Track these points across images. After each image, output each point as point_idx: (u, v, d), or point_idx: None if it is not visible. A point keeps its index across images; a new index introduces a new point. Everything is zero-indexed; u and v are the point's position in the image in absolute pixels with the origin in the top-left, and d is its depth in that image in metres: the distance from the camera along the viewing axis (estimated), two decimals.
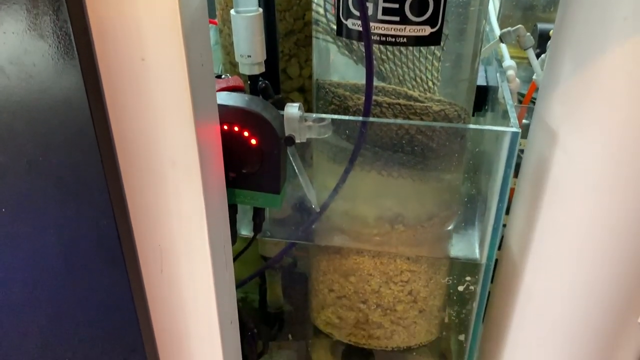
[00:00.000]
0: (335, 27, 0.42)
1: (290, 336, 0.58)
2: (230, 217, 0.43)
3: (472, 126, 0.41)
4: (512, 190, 0.56)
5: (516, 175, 0.55)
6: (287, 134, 0.40)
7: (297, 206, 0.49)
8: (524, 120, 0.60)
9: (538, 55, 0.57)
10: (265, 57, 0.45)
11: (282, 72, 0.57)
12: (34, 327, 0.42)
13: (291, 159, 0.44)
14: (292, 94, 0.59)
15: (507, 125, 0.41)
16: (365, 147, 0.45)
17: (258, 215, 0.45)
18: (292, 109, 0.40)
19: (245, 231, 0.49)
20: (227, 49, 0.57)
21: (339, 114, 0.46)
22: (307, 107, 0.58)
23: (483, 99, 0.55)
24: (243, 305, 0.61)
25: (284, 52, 0.56)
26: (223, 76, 0.52)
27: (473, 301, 0.48)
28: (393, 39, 0.39)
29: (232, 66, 0.58)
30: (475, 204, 0.48)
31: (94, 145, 0.33)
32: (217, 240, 0.40)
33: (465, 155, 0.47)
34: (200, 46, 0.33)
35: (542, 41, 0.60)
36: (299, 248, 0.57)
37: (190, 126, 0.33)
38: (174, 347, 0.43)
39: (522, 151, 0.48)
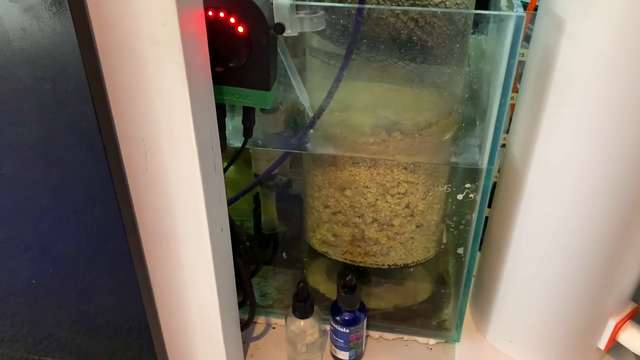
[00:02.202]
0: None
1: (284, 255, 0.57)
2: (218, 119, 0.41)
3: (474, 11, 0.39)
4: (512, 107, 0.53)
5: (516, 91, 0.53)
6: (276, 22, 0.38)
7: (289, 114, 0.47)
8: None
9: None
10: None
11: None
12: (11, 228, 0.40)
13: (282, 57, 0.41)
14: None
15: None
16: (361, 50, 0.42)
17: (248, 117, 0.42)
18: None
19: (237, 143, 0.47)
20: None
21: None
22: None
23: (484, 7, 0.52)
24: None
25: None
26: None
27: (472, 211, 0.46)
28: None
29: None
30: (476, 108, 0.46)
31: (68, 22, 0.31)
32: (204, 137, 0.37)
33: (466, 59, 0.45)
34: None
35: None
36: (294, 167, 0.55)
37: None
38: (162, 252, 0.41)
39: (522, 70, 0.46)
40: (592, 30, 0.37)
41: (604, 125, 0.39)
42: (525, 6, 0.55)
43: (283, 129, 0.49)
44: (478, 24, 0.53)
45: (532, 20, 0.55)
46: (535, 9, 0.56)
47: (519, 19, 0.37)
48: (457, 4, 0.42)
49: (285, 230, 0.56)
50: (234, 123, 0.47)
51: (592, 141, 0.40)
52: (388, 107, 0.46)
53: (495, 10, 0.50)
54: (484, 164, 0.43)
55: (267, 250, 0.56)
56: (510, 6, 0.39)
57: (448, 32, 0.42)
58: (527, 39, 0.50)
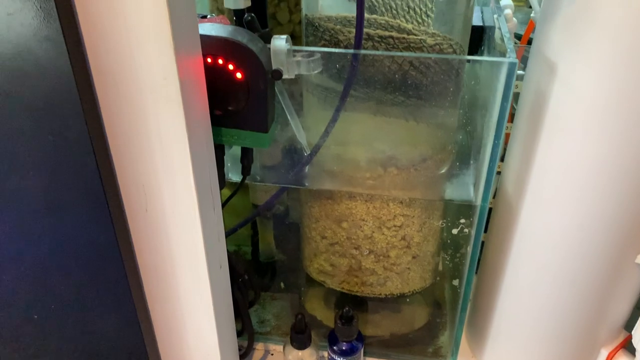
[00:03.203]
0: None
1: (282, 284, 0.58)
2: (217, 158, 0.41)
3: (467, 57, 0.40)
4: (508, 136, 0.54)
5: (511, 120, 0.54)
6: (274, 67, 0.39)
7: (287, 150, 0.48)
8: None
9: None
10: None
11: (271, 17, 0.55)
12: (16, 270, 0.40)
13: (279, 97, 0.42)
14: None
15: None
16: (357, 87, 0.43)
17: (246, 157, 0.43)
18: (279, 42, 0.39)
19: (235, 177, 0.48)
20: None
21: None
22: None
23: (479, 40, 0.53)
24: (235, 257, 0.60)
25: None
26: (209, 16, 0.50)
27: (467, 245, 0.47)
28: None
29: (219, 12, 0.55)
30: (470, 144, 0.47)
31: (69, 75, 0.31)
32: (203, 178, 0.38)
33: (460, 95, 0.46)
34: None
35: None
36: (291, 197, 0.55)
37: (170, 53, 0.31)
38: (161, 290, 0.42)
39: (516, 100, 0.47)
40: (583, 75, 0.37)
41: (595, 165, 0.40)
42: (519, 38, 0.56)
43: (280, 160, 0.50)
44: (477, 50, 0.54)
45: (523, 57, 0.56)
46: (529, 43, 0.57)
47: (512, 65, 0.37)
48: (451, 44, 0.43)
49: (282, 258, 0.57)
50: (231, 152, 0.48)
51: (583, 179, 0.41)
52: (383, 140, 0.47)
53: (489, 46, 0.51)
54: (479, 201, 0.44)
55: (265, 278, 0.57)
56: (503, 49, 0.40)
57: (443, 70, 0.43)
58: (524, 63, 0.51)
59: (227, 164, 0.47)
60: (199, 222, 0.38)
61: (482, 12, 0.55)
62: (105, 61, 0.32)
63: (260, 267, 0.58)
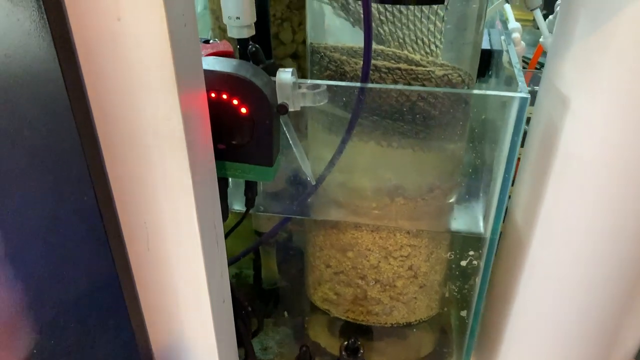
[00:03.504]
0: None
1: (286, 313, 0.57)
2: (220, 191, 0.40)
3: (477, 91, 0.39)
4: (518, 160, 0.53)
5: (522, 143, 0.53)
6: (279, 101, 0.38)
7: (291, 179, 0.47)
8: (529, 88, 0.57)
9: (544, 16, 0.54)
10: (255, 19, 0.42)
11: (273, 37, 0.54)
12: (17, 310, 0.40)
13: (284, 128, 0.41)
14: (284, 61, 0.56)
15: (514, 91, 0.39)
16: (364, 116, 0.42)
17: (250, 190, 0.42)
18: (285, 75, 0.38)
19: (238, 206, 0.47)
20: (216, 13, 0.53)
21: (335, 79, 0.43)
22: (302, 75, 0.55)
23: (486, 63, 0.52)
24: (237, 282, 0.59)
25: (276, 16, 0.53)
26: (211, 41, 0.49)
27: (476, 276, 0.46)
28: None
29: (221, 32, 0.54)
30: (479, 175, 0.46)
31: (69, 115, 0.30)
32: (207, 216, 0.37)
33: (469, 123, 0.45)
34: (183, 4, 0.30)
35: (549, 0, 0.57)
36: (295, 222, 0.54)
37: (173, 92, 0.31)
38: (164, 327, 0.41)
39: (528, 120, 0.46)
40: (597, 110, 0.36)
41: (609, 200, 0.39)
42: (526, 65, 0.55)
43: (284, 186, 0.49)
44: (485, 73, 0.53)
45: (534, 77, 0.55)
46: (537, 68, 0.56)
47: (523, 100, 0.36)
48: (460, 74, 0.42)
49: (286, 284, 0.56)
50: (235, 180, 0.47)
51: (596, 213, 0.40)
52: (390, 169, 0.46)
53: (497, 70, 0.50)
54: (488, 234, 0.43)
55: (268, 305, 0.56)
56: (511, 73, 0.39)
57: (452, 101, 0.42)
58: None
59: (230, 186, 0.46)
60: (202, 259, 0.38)
61: (489, 35, 0.54)
62: (107, 103, 0.31)
63: (263, 294, 0.57)
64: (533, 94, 0.43)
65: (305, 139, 0.45)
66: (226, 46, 0.47)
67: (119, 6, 0.28)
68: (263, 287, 0.56)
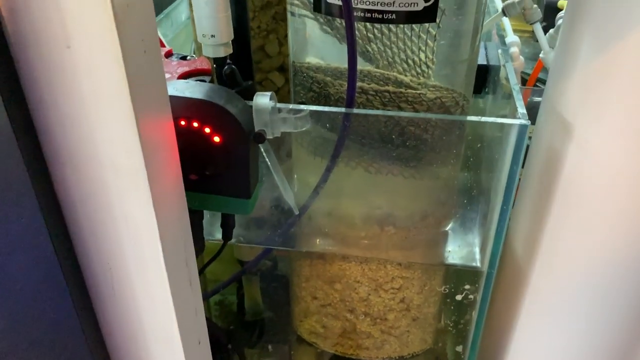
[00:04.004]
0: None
1: (270, 347, 0.53)
2: (195, 224, 0.37)
3: (473, 118, 0.36)
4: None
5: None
6: (257, 128, 0.34)
7: (273, 207, 0.44)
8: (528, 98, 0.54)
9: (544, 29, 0.50)
10: (232, 37, 0.39)
11: (259, 49, 0.51)
12: None
13: (264, 155, 0.38)
14: (271, 74, 0.53)
15: (513, 113, 0.36)
16: (350, 139, 0.39)
17: (227, 222, 0.39)
18: (263, 99, 0.34)
19: (219, 234, 0.43)
20: None
21: (319, 101, 0.40)
22: (288, 88, 0.52)
23: (483, 79, 0.49)
24: (220, 309, 0.56)
25: (261, 28, 0.50)
26: (189, 57, 0.46)
27: (472, 310, 0.43)
28: (380, 16, 0.33)
29: None
30: (475, 202, 0.43)
31: (16, 155, 0.27)
32: (176, 255, 0.34)
33: (464, 147, 0.42)
34: (142, 29, 0.27)
35: (549, 12, 0.54)
36: (279, 252, 0.51)
37: (131, 125, 0.27)
38: None
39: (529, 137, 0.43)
40: (603, 138, 0.33)
41: (615, 232, 0.36)
42: (525, 81, 0.52)
43: (267, 212, 0.45)
44: (481, 90, 0.50)
45: (533, 94, 0.52)
46: (535, 85, 0.53)
47: (522, 127, 0.33)
48: (454, 97, 0.38)
49: (271, 315, 0.53)
50: None
51: (601, 245, 0.37)
52: (380, 196, 0.43)
53: (494, 87, 0.47)
54: (485, 267, 0.40)
55: (252, 337, 0.53)
56: (508, 90, 0.36)
57: (445, 124, 0.39)
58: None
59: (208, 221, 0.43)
60: (171, 300, 0.34)
61: (485, 48, 0.51)
62: (58, 136, 0.28)
63: (247, 325, 0.53)
64: (532, 110, 0.40)
65: (288, 161, 0.42)
66: (204, 63, 0.44)
67: (67, 33, 0.25)
68: (246, 319, 0.53)
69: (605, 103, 0.32)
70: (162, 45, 0.49)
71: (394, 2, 0.32)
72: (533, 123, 0.41)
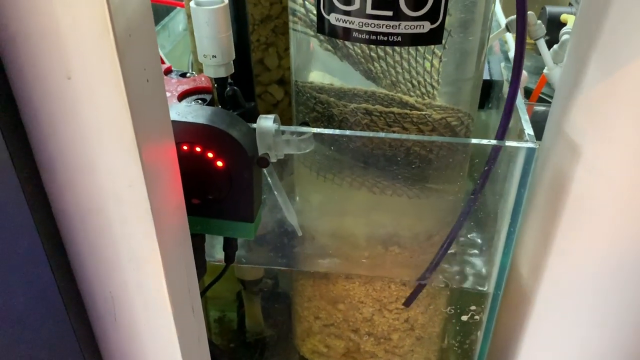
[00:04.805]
0: (315, 18, 0.35)
1: None
2: (197, 247, 0.37)
3: (477, 141, 0.35)
4: None
5: None
6: (260, 152, 0.34)
7: (276, 227, 0.43)
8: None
9: (547, 43, 0.50)
10: (234, 57, 0.38)
11: (258, 63, 0.50)
12: None
13: (267, 177, 0.37)
14: (270, 87, 0.52)
15: (518, 132, 0.35)
16: (355, 159, 0.38)
17: (230, 245, 0.38)
18: (266, 122, 0.34)
19: (221, 255, 0.43)
20: None
21: (322, 122, 0.39)
22: (288, 101, 0.51)
23: (486, 94, 0.48)
24: (220, 327, 0.55)
25: (260, 41, 0.49)
26: (188, 74, 0.45)
27: (478, 330, 0.43)
28: (385, 38, 0.32)
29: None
30: (481, 221, 0.42)
31: (16, 187, 0.26)
32: (178, 281, 0.33)
33: (469, 167, 0.41)
34: (144, 58, 0.26)
35: (552, 27, 0.53)
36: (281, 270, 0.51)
37: (134, 155, 0.26)
38: None
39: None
40: (612, 161, 0.33)
41: (623, 255, 0.36)
42: (528, 94, 0.52)
43: (269, 230, 0.45)
44: (484, 105, 0.50)
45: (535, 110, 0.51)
46: (539, 100, 0.52)
47: (530, 151, 0.33)
48: (459, 117, 0.38)
49: (272, 334, 0.52)
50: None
51: (608, 269, 0.37)
52: (384, 214, 0.42)
53: (497, 102, 0.47)
54: (491, 289, 0.39)
55: (253, 357, 0.52)
56: (514, 125, 0.35)
57: (450, 144, 0.38)
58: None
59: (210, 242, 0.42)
60: (174, 329, 0.34)
61: (488, 63, 0.51)
62: (59, 166, 0.27)
63: (248, 345, 0.53)
64: (535, 125, 0.40)
65: (290, 176, 0.42)
66: (205, 81, 0.43)
67: (68, 63, 0.24)
68: (248, 339, 0.52)
69: (614, 126, 0.32)
70: (162, 62, 0.49)
71: (399, 25, 0.32)
72: (538, 139, 0.41)
